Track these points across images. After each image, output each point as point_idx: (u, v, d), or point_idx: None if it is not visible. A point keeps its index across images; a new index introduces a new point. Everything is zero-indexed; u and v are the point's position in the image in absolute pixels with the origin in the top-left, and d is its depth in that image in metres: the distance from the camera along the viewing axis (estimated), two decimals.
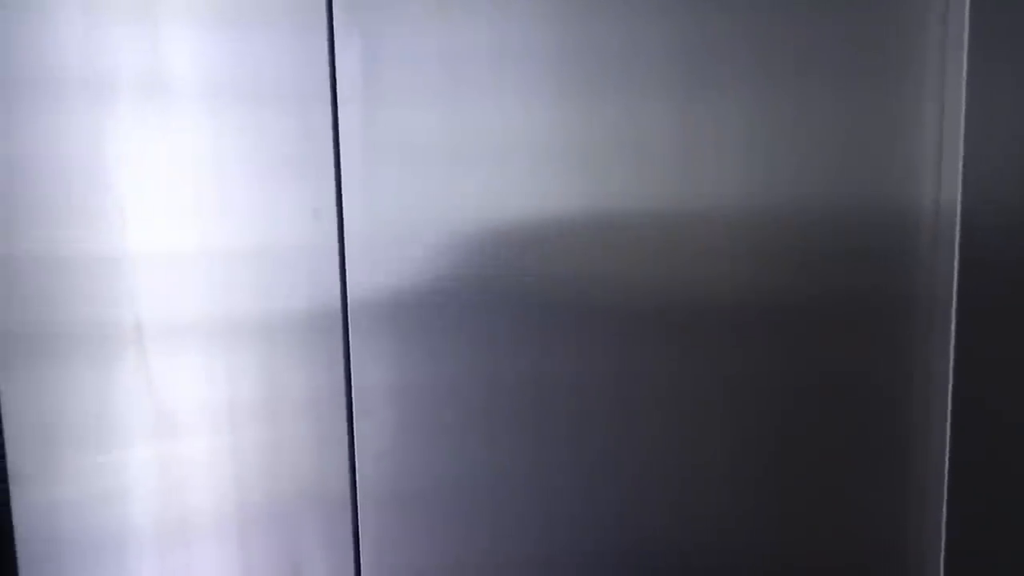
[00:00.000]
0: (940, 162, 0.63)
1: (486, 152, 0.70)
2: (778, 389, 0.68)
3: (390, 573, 0.77)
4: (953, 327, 0.63)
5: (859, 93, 0.63)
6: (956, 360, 0.63)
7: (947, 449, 0.64)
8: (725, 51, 0.65)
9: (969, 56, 0.60)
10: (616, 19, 0.67)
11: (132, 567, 0.81)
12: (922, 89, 0.63)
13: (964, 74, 0.61)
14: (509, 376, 0.72)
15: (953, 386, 0.64)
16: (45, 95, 0.76)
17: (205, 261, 0.76)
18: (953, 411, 0.64)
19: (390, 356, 0.74)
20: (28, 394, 0.78)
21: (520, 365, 0.72)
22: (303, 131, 0.73)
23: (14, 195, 0.76)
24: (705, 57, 0.65)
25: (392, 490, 0.76)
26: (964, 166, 0.61)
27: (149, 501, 0.80)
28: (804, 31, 0.64)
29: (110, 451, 0.79)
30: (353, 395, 0.75)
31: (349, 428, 0.76)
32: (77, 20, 0.75)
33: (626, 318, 0.69)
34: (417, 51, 0.70)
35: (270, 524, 0.79)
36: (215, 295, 0.77)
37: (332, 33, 0.72)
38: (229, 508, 0.79)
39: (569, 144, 0.69)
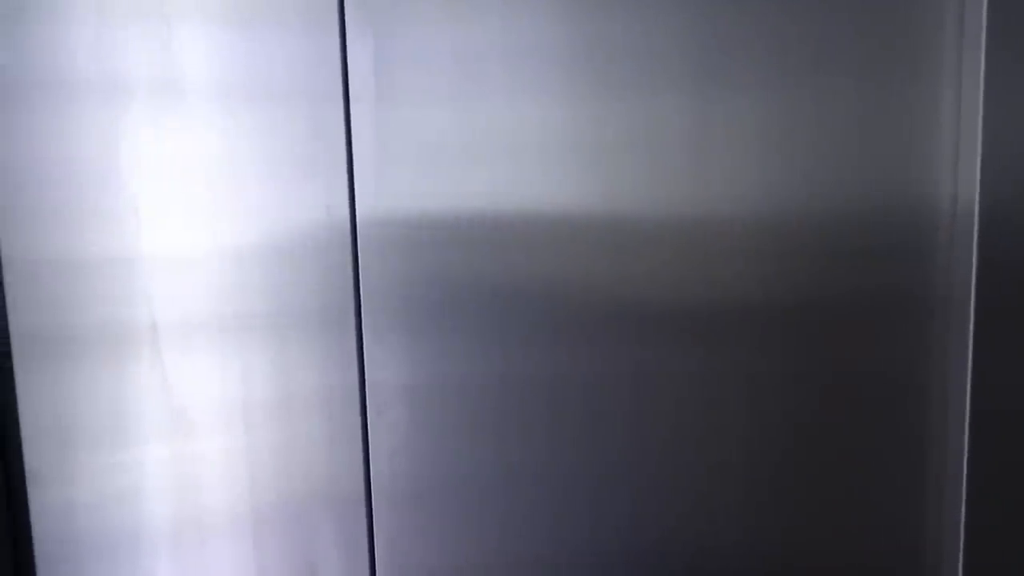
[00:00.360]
0: (957, 160, 0.62)
1: (499, 150, 0.70)
2: (793, 389, 0.68)
3: (404, 571, 0.77)
4: (971, 326, 0.63)
5: (875, 92, 0.63)
6: (974, 359, 0.63)
7: (966, 449, 0.64)
8: (738, 49, 0.65)
9: (987, 54, 0.60)
10: (629, 17, 0.66)
11: (147, 566, 0.81)
12: (939, 87, 0.62)
13: (982, 72, 0.60)
14: (522, 374, 0.72)
15: (971, 385, 0.63)
16: (57, 97, 0.75)
17: (219, 260, 0.76)
18: (972, 411, 0.63)
19: (403, 354, 0.74)
20: (45, 395, 0.78)
21: (533, 363, 0.72)
22: (315, 130, 0.73)
23: (27, 198, 0.77)
24: (718, 55, 0.65)
25: (405, 488, 0.76)
26: (982, 164, 0.61)
27: (164, 500, 0.80)
28: (820, 29, 0.63)
29: (126, 451, 0.79)
30: (367, 393, 0.75)
31: (363, 426, 0.76)
32: (89, 22, 0.75)
33: (640, 317, 0.69)
34: (429, 50, 0.70)
35: (285, 522, 0.79)
36: (229, 294, 0.77)
37: (344, 32, 0.72)
38: (244, 506, 0.79)
39: (582, 143, 0.68)
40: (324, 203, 0.74)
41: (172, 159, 0.76)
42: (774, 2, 0.64)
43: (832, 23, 0.63)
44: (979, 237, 0.62)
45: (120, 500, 0.80)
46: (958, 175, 0.62)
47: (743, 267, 0.67)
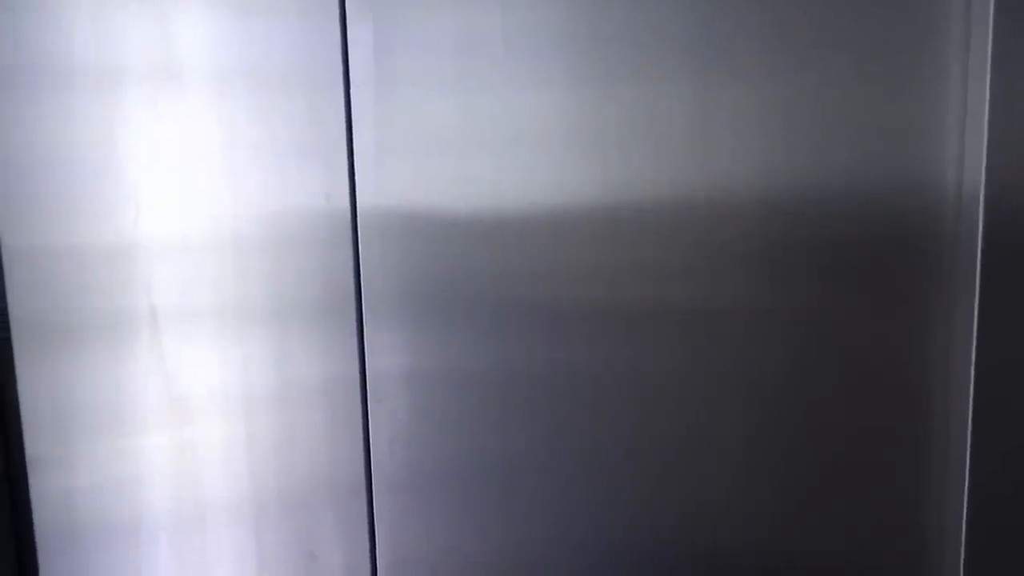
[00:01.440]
0: (963, 146, 0.62)
1: (500, 138, 0.69)
2: (796, 381, 0.67)
3: (403, 558, 0.77)
4: (975, 316, 0.62)
5: (880, 78, 0.62)
6: (978, 350, 0.63)
7: (968, 443, 0.63)
8: (742, 36, 0.64)
9: (994, 41, 0.59)
10: (630, 4, 0.65)
11: (148, 553, 0.81)
12: (945, 74, 0.61)
13: (988, 59, 0.59)
14: (522, 364, 0.72)
15: (975, 377, 0.63)
16: (55, 85, 0.75)
17: (219, 248, 0.76)
18: (975, 403, 0.63)
19: (404, 343, 0.74)
20: (45, 383, 0.79)
21: (532, 353, 0.72)
22: (315, 117, 0.73)
23: (27, 186, 0.76)
24: (721, 43, 0.64)
25: (405, 476, 0.76)
26: (987, 152, 0.60)
27: (164, 488, 0.80)
28: (824, 14, 0.63)
29: (126, 439, 0.79)
30: (367, 382, 0.75)
31: (363, 414, 0.76)
32: (86, 8, 0.74)
33: (640, 308, 0.69)
34: (430, 36, 0.69)
35: (285, 510, 0.79)
36: (229, 282, 0.77)
37: (344, 18, 0.71)
38: (244, 494, 0.79)
39: (583, 131, 0.68)
40: (324, 190, 0.74)
41: (172, 147, 0.76)
42: None
43: (836, 9, 0.62)
44: (984, 226, 0.61)
45: (121, 487, 0.80)
46: (963, 163, 0.62)
47: (746, 257, 0.66)
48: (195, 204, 0.76)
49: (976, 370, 0.63)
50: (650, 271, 0.68)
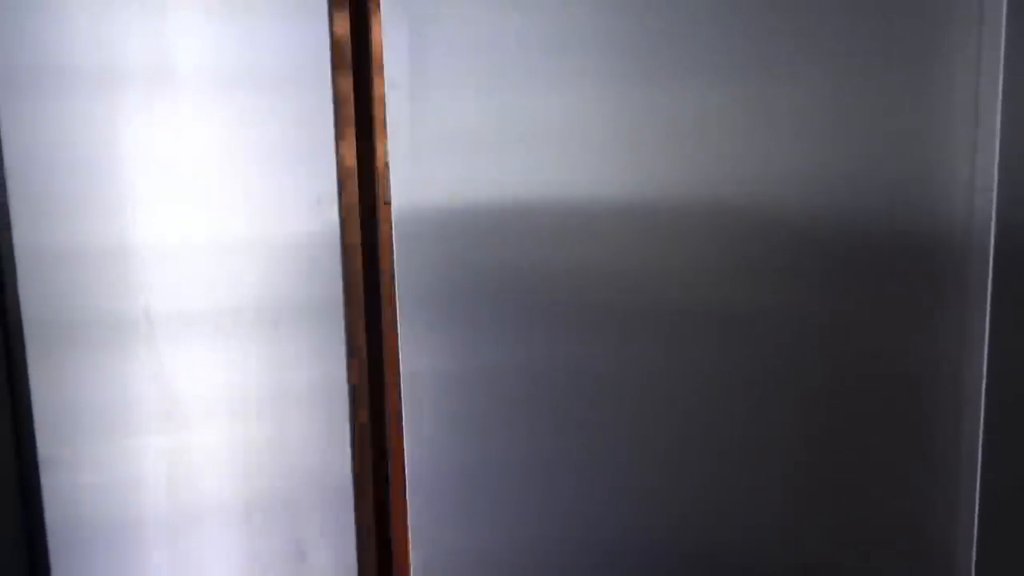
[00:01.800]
0: (975, 150, 0.61)
1: (534, 138, 0.69)
2: (813, 384, 0.67)
3: (435, 558, 0.77)
4: (987, 319, 0.62)
5: (893, 82, 0.62)
6: (990, 354, 0.62)
7: (979, 447, 0.63)
8: (768, 41, 0.64)
9: (1007, 44, 0.58)
10: (663, 6, 0.65)
11: (156, 551, 0.83)
12: (958, 77, 0.61)
13: (1001, 58, 0.59)
14: (554, 364, 0.72)
15: (986, 381, 0.62)
16: (50, 86, 0.76)
17: (213, 250, 0.77)
18: (986, 406, 0.63)
19: (437, 343, 0.74)
20: (57, 382, 0.81)
21: (559, 354, 0.72)
22: (306, 120, 0.73)
23: (35, 186, 0.77)
24: (751, 46, 0.64)
25: (440, 477, 0.76)
26: (1000, 153, 0.59)
27: (159, 489, 0.82)
28: (837, 19, 0.62)
29: (129, 439, 0.81)
30: (401, 382, 0.75)
31: (351, 416, 0.77)
32: (83, 10, 0.75)
33: (672, 308, 0.69)
34: (465, 37, 0.69)
35: (277, 511, 0.80)
36: (223, 285, 0.77)
37: (372, 17, 0.72)
38: (236, 494, 0.81)
39: (618, 131, 0.68)
40: (315, 193, 0.74)
41: (170, 149, 0.76)
42: None
43: (850, 13, 0.62)
44: (996, 230, 0.61)
45: (117, 487, 0.82)
46: (975, 166, 0.61)
47: (769, 258, 0.67)
48: (190, 206, 0.77)
49: (987, 374, 0.62)
50: (682, 271, 0.68)
